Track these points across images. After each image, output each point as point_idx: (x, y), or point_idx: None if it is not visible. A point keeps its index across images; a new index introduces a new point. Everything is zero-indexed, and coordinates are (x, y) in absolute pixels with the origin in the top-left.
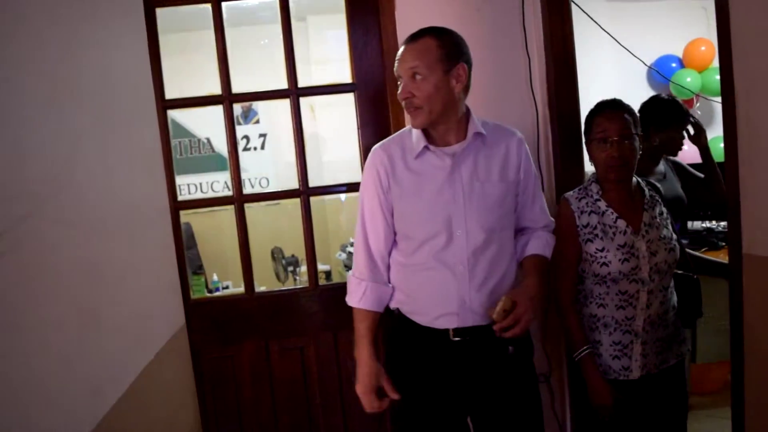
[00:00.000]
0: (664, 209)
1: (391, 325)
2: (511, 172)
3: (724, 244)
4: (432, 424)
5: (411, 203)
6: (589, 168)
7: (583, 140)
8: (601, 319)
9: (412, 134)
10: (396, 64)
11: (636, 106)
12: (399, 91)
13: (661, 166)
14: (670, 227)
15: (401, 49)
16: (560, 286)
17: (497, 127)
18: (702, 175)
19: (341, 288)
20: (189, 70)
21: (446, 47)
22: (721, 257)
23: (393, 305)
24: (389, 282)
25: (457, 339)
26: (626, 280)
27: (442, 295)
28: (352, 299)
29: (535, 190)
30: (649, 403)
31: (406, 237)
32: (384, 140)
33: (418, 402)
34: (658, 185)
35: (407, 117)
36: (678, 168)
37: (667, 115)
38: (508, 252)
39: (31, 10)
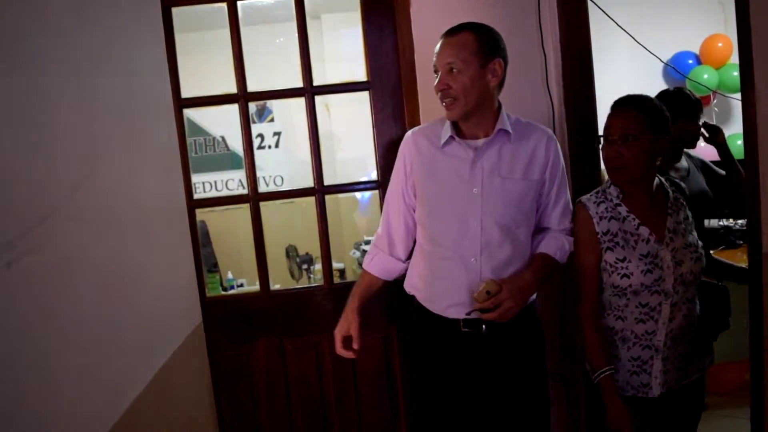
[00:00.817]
0: (689, 213)
1: (410, 314)
2: (536, 170)
3: (742, 242)
4: (445, 412)
5: (431, 189)
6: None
7: (567, 138)
8: (618, 333)
9: (443, 124)
10: (434, 58)
11: None
12: (436, 83)
13: (684, 162)
14: (695, 233)
15: (439, 43)
16: (579, 297)
17: (528, 125)
18: (723, 172)
19: None
20: (204, 69)
21: (483, 42)
22: (739, 255)
23: (410, 291)
24: (404, 260)
25: (467, 330)
26: (648, 292)
27: (453, 285)
28: (365, 262)
29: (559, 191)
30: (669, 421)
31: (424, 222)
32: (419, 126)
33: (432, 389)
34: (682, 184)
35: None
36: (702, 165)
37: (675, 106)
38: (523, 252)
39: (56, 10)
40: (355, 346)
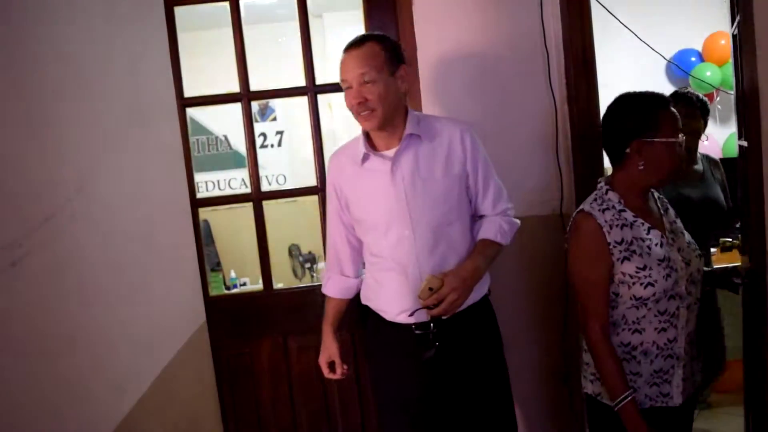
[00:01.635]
0: (672, 209)
1: (367, 324)
2: (455, 165)
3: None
4: (410, 416)
5: (361, 206)
6: (607, 165)
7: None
8: (638, 348)
9: (357, 140)
10: (341, 73)
11: None
12: (348, 98)
13: (700, 165)
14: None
15: (344, 57)
16: (590, 318)
17: (441, 121)
18: None
19: None
20: (206, 68)
21: (389, 50)
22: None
23: (364, 302)
24: (356, 277)
25: (419, 332)
26: (665, 299)
27: (398, 293)
28: (323, 288)
29: (486, 179)
30: (688, 427)
31: (363, 238)
32: (340, 147)
33: (394, 395)
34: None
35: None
36: (719, 168)
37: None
38: (458, 247)
39: (60, 11)
40: (339, 369)
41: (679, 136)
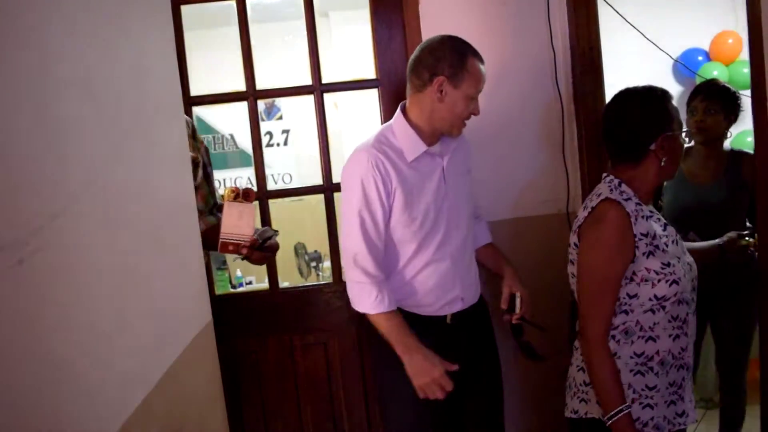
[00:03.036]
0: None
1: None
2: (468, 160)
3: None
4: (433, 407)
5: (413, 205)
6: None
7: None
8: (654, 358)
9: (394, 137)
10: (480, 83)
11: None
12: (472, 107)
13: (723, 162)
14: None
15: (483, 69)
16: (594, 319)
17: None
18: None
19: None
20: (213, 66)
21: None
22: None
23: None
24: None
25: (451, 323)
26: (677, 303)
27: (446, 284)
28: (373, 305)
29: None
30: None
31: (416, 237)
32: (367, 145)
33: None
34: None
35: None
36: (741, 161)
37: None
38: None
39: (67, 9)
40: (454, 367)
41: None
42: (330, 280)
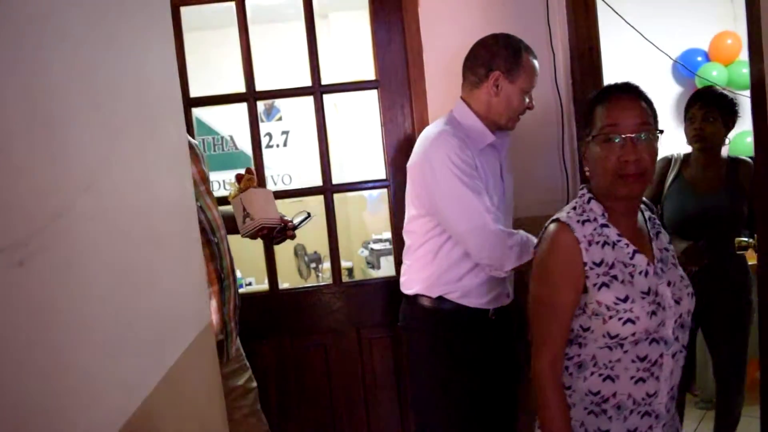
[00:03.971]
0: (666, 235)
1: (436, 312)
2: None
3: None
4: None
5: (489, 195)
6: None
7: (575, 138)
8: (609, 400)
9: (461, 126)
10: (534, 81)
11: (661, 101)
12: (528, 103)
13: (722, 170)
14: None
15: (537, 65)
16: (542, 347)
17: None
18: None
19: (364, 285)
20: (212, 68)
21: None
22: None
23: (437, 293)
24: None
25: (493, 318)
26: (646, 341)
27: (498, 279)
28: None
29: None
30: None
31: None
32: (448, 129)
33: (471, 374)
34: (649, 203)
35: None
36: (739, 168)
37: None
38: None
39: (65, 10)
40: None
41: (623, 134)
42: (330, 281)
